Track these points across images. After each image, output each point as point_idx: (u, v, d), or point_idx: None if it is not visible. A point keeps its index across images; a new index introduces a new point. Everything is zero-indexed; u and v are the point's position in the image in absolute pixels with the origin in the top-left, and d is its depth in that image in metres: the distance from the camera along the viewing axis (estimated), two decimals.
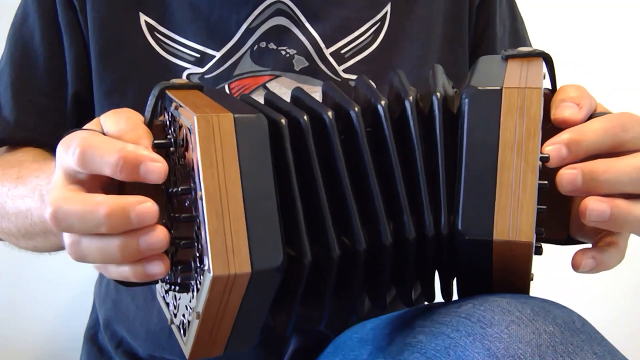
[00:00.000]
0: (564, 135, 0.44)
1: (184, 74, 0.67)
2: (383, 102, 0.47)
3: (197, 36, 0.67)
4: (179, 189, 0.42)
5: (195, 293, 0.42)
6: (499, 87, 0.45)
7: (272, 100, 0.49)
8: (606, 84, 0.91)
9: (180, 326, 0.46)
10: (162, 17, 0.68)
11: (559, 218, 0.50)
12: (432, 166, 0.47)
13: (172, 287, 0.46)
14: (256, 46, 0.67)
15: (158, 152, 0.43)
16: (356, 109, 0.46)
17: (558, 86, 0.50)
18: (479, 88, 0.45)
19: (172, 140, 0.44)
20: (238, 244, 0.39)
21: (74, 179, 0.42)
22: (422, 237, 0.47)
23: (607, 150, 0.44)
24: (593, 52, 1.24)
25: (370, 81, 0.52)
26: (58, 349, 1.20)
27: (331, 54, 0.68)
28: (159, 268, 0.41)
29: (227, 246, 0.39)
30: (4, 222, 0.62)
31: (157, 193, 0.44)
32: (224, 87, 0.67)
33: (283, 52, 0.67)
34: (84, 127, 0.45)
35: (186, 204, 0.42)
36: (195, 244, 0.41)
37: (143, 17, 0.67)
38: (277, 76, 0.67)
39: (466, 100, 0.45)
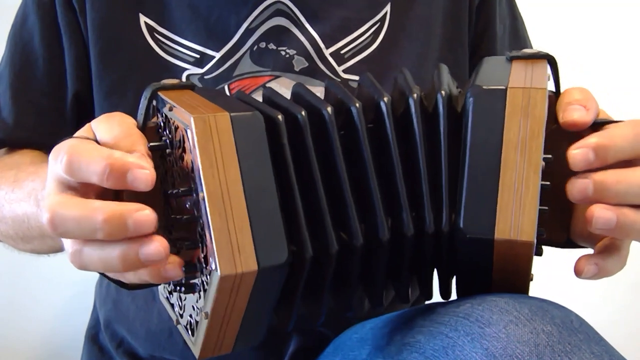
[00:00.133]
0: (592, 139, 0.43)
1: (184, 75, 0.67)
2: (386, 99, 0.47)
3: (196, 37, 0.67)
4: (179, 191, 0.42)
5: (202, 293, 0.42)
6: (503, 87, 0.45)
7: (270, 96, 0.49)
8: (606, 83, 0.91)
9: (188, 327, 0.46)
10: (161, 17, 0.68)
11: (559, 220, 0.50)
12: (435, 164, 0.47)
13: (177, 288, 0.46)
14: (256, 47, 0.67)
15: (153, 155, 0.43)
16: (357, 104, 0.46)
17: (561, 88, 0.50)
18: (484, 87, 0.46)
19: (168, 141, 0.44)
20: (243, 242, 0.40)
21: (66, 187, 0.42)
22: (422, 234, 0.47)
23: (632, 157, 0.44)
24: (592, 52, 1.24)
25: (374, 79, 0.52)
26: (58, 349, 1.20)
27: (331, 54, 0.68)
28: (175, 272, 0.42)
29: (233, 245, 0.39)
30: (2, 225, 0.62)
31: (154, 196, 0.44)
32: (223, 87, 0.67)
33: (283, 53, 0.67)
34: (75, 135, 0.44)
35: (187, 205, 0.42)
36: (200, 244, 0.41)
37: (143, 18, 0.68)
38: (276, 77, 0.67)
39: (471, 99, 0.45)
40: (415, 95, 0.47)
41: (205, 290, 0.41)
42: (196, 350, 0.45)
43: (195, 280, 0.43)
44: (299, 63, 0.67)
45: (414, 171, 0.47)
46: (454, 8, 0.72)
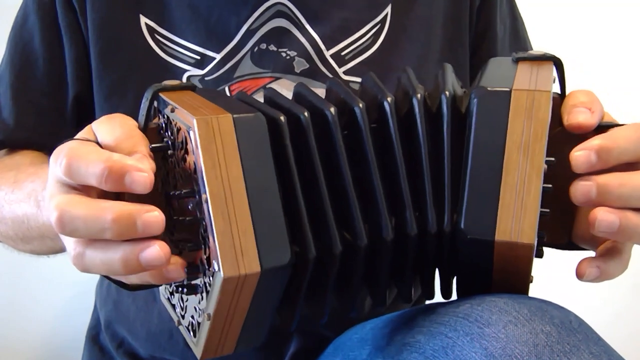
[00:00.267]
0: (595, 141, 0.43)
1: (184, 76, 0.67)
2: (389, 99, 0.47)
3: (196, 38, 0.67)
4: (182, 192, 0.42)
5: (204, 295, 0.42)
6: (508, 89, 0.45)
7: (272, 97, 0.48)
8: (606, 83, 0.91)
9: (190, 327, 0.46)
10: (161, 18, 0.68)
11: (561, 223, 0.50)
12: (438, 164, 0.47)
13: (179, 289, 0.46)
14: (256, 48, 0.67)
15: (155, 156, 0.43)
16: (360, 105, 0.46)
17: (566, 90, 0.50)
18: (489, 89, 0.46)
19: (170, 143, 0.44)
20: (246, 244, 0.39)
21: (67, 189, 0.42)
22: (424, 234, 0.47)
23: (635, 160, 0.44)
24: (592, 52, 1.24)
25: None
26: (58, 349, 1.20)
27: (331, 55, 0.68)
28: (177, 274, 0.42)
29: (236, 247, 0.39)
30: (2, 226, 0.63)
31: (155, 197, 0.44)
32: (224, 89, 0.67)
33: (283, 54, 0.67)
34: (76, 137, 0.44)
35: (189, 207, 0.42)
36: (202, 246, 0.41)
37: (143, 19, 0.68)
38: (277, 78, 0.67)
39: (475, 100, 0.46)
40: (419, 95, 0.47)
41: (207, 292, 0.41)
42: (198, 351, 0.45)
43: (198, 282, 0.43)
44: (300, 64, 0.67)
45: (417, 171, 0.47)
46: (454, 9, 0.72)
